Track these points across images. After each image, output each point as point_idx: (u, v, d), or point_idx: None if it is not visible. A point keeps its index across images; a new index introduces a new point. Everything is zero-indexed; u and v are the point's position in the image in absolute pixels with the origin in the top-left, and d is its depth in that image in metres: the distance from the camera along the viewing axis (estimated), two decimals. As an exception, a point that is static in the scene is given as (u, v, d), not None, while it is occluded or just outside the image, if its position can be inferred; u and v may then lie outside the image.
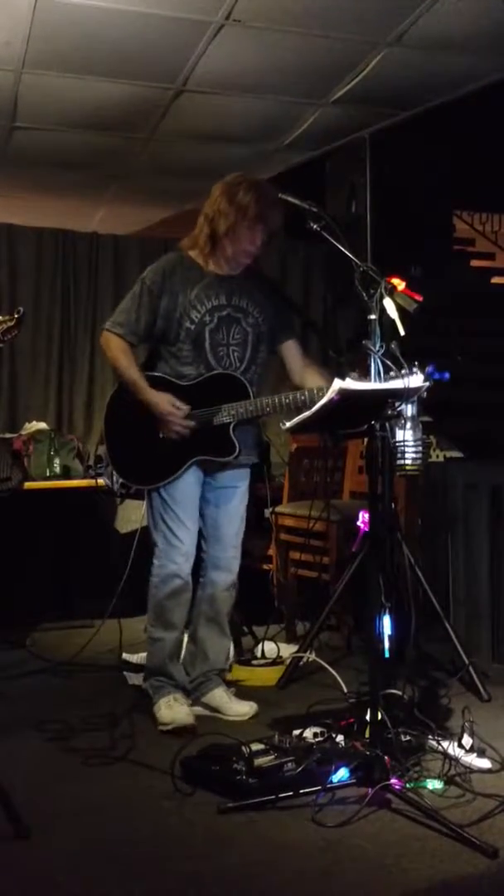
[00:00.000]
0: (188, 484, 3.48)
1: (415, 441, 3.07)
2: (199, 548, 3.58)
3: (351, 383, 2.80)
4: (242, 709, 3.54)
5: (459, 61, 4.35)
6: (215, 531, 3.59)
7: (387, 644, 2.93)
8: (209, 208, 3.42)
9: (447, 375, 2.99)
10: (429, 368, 2.95)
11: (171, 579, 3.46)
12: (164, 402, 3.41)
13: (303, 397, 3.35)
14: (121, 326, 3.48)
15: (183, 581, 3.48)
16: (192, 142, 5.38)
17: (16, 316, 3.03)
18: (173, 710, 3.40)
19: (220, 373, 3.47)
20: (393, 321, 3.08)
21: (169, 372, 3.49)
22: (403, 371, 2.92)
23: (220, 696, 3.57)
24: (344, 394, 2.73)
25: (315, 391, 3.31)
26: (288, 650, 4.21)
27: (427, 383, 2.92)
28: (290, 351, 3.65)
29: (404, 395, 2.87)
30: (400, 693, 3.12)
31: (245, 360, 3.51)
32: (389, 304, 3.08)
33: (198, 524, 3.55)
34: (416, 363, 2.94)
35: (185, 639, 3.65)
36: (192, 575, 3.52)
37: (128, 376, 3.47)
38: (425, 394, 2.98)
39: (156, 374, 3.50)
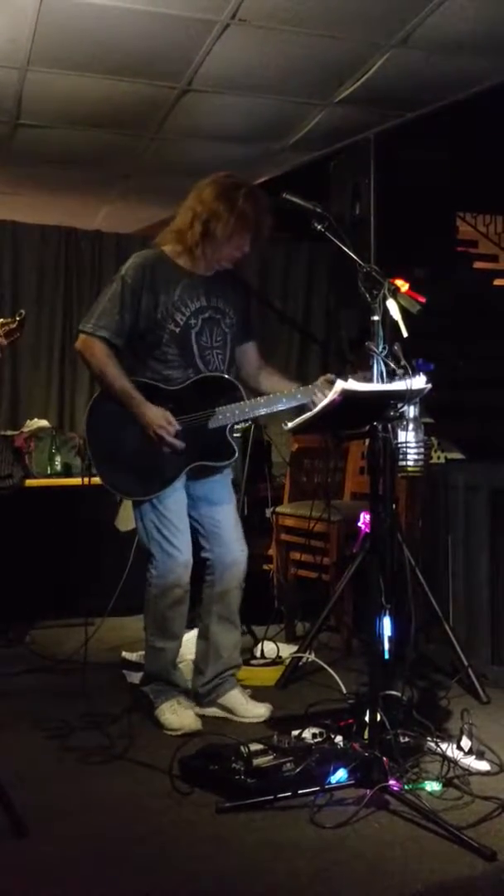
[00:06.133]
0: (177, 490, 3.39)
1: (416, 442, 3.06)
2: (199, 548, 3.50)
3: (353, 384, 2.79)
4: (258, 710, 3.49)
5: (465, 63, 4.34)
6: (216, 529, 3.50)
7: (386, 645, 2.94)
8: (201, 207, 3.28)
9: (431, 366, 2.96)
10: (417, 362, 2.94)
11: (172, 590, 3.36)
12: (160, 418, 3.29)
13: (298, 395, 3.32)
14: (105, 329, 3.30)
15: (183, 591, 3.38)
16: (196, 141, 5.38)
17: (17, 318, 3.03)
18: (179, 714, 3.36)
19: (207, 375, 3.39)
20: (396, 322, 3.08)
21: (154, 376, 3.38)
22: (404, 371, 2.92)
23: (235, 698, 3.52)
24: (346, 394, 2.73)
25: (312, 387, 3.31)
26: (287, 650, 4.21)
27: (429, 385, 2.92)
28: (250, 353, 3.58)
29: (406, 396, 2.86)
30: (399, 694, 3.12)
31: (227, 363, 3.47)
32: (392, 306, 3.08)
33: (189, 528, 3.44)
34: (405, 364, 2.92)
35: (194, 636, 3.62)
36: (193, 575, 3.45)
37: (119, 387, 3.31)
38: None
39: (141, 379, 3.36)
